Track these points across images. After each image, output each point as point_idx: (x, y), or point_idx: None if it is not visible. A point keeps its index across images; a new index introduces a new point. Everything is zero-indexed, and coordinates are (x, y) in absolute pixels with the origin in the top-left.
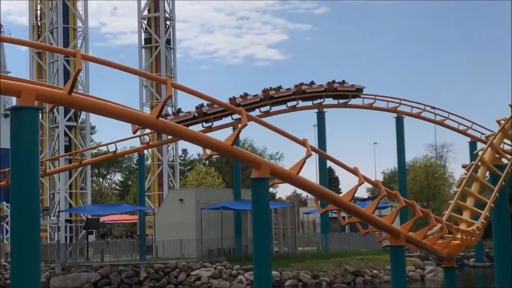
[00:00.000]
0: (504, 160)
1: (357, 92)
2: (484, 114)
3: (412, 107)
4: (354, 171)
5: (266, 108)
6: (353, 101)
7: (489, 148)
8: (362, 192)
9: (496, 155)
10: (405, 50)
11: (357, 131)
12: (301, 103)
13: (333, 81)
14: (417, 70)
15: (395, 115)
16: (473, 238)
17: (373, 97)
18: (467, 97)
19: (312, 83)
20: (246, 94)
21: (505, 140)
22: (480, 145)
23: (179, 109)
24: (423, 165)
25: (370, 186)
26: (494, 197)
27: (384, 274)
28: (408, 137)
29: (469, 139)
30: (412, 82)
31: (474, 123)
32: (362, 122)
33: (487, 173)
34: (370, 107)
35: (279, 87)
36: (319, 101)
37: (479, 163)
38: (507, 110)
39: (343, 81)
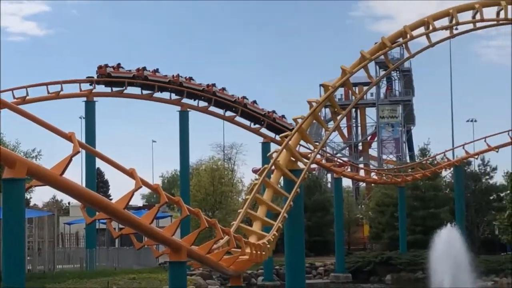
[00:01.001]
0: (300, 164)
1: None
2: (284, 109)
3: (199, 99)
4: (131, 173)
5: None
6: (130, 90)
7: (284, 150)
8: (137, 200)
9: (292, 158)
10: (187, 32)
11: (133, 127)
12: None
13: (274, 111)
14: (204, 54)
15: (179, 108)
16: (263, 253)
17: (154, 84)
18: (267, 91)
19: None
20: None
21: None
22: (274, 146)
23: (119, 64)
24: (209, 169)
25: (145, 192)
26: (288, 206)
27: None
28: (193, 135)
29: (261, 139)
30: (201, 68)
31: (269, 121)
32: (140, 115)
33: (281, 179)
34: (150, 98)
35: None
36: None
37: (273, 167)
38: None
39: (273, 112)
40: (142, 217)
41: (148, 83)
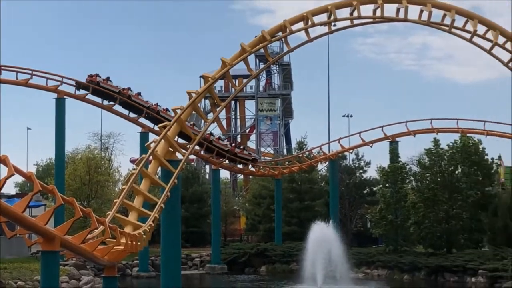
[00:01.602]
0: (179, 155)
1: (253, 161)
2: (168, 101)
3: (81, 88)
4: (3, 160)
5: None
6: (6, 75)
7: (162, 141)
8: (9, 188)
9: (170, 149)
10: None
11: (8, 114)
12: None
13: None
14: (90, 50)
15: (56, 95)
16: (139, 244)
17: (30, 71)
18: (150, 83)
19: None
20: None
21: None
22: (152, 136)
23: (108, 77)
24: (85, 158)
25: (19, 180)
26: (165, 197)
27: (32, 286)
28: (69, 123)
29: (140, 129)
30: (87, 63)
31: (148, 111)
32: (15, 101)
33: (159, 169)
34: (26, 84)
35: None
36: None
37: (151, 157)
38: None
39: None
40: (14, 205)
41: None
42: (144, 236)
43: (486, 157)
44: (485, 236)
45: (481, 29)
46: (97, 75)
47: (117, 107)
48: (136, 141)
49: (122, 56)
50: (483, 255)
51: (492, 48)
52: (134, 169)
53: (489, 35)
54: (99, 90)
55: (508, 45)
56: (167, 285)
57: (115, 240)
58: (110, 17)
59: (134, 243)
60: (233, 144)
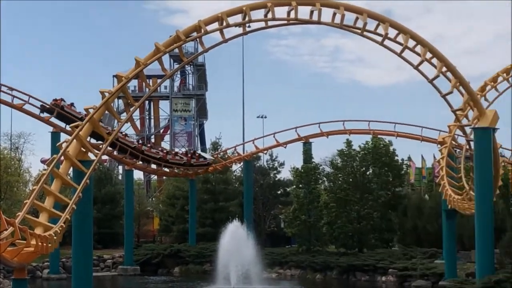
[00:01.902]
0: (91, 155)
1: (208, 165)
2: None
3: None
4: None
5: None
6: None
7: (74, 141)
8: None
9: (82, 149)
10: None
11: None
12: None
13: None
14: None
15: None
16: (49, 245)
17: None
18: (63, 82)
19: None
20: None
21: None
22: (64, 136)
23: (72, 103)
24: None
25: None
26: (76, 198)
27: None
28: None
29: (51, 128)
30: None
31: (65, 111)
32: None
33: (71, 169)
34: None
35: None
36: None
37: (62, 158)
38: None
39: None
40: None
41: None
42: (55, 237)
43: (396, 158)
44: (395, 236)
45: (392, 32)
46: (62, 99)
47: (29, 107)
48: (47, 141)
49: (33, 55)
50: (393, 255)
51: (402, 51)
52: (45, 169)
53: (400, 38)
54: (62, 114)
55: (418, 49)
56: (78, 287)
57: (25, 241)
58: (20, 15)
59: (44, 244)
60: (189, 155)
